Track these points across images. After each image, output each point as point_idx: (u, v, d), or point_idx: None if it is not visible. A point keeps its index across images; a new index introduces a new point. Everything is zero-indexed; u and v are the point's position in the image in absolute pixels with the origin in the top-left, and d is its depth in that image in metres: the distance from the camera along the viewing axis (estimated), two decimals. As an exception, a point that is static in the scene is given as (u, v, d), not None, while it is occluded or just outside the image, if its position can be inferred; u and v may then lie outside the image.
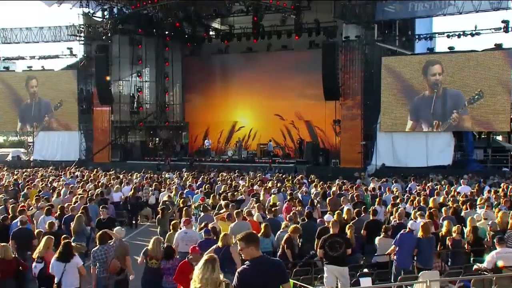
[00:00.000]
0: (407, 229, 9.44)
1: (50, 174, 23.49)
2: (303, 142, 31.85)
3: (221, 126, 36.39)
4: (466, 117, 25.86)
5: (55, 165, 29.30)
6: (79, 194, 14.66)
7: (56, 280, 7.90)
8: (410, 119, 27.06)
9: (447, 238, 9.96)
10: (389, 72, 27.31)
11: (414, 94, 26.89)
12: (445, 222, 10.48)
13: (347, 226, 10.16)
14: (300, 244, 10.31)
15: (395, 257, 9.27)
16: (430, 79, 26.52)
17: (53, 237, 8.93)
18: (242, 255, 5.01)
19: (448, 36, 26.81)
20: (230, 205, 11.88)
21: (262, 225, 10.19)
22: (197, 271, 4.47)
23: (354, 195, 15.01)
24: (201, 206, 12.95)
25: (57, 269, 7.90)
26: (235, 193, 15.35)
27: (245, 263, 4.90)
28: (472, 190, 16.53)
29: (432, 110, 26.42)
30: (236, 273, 4.83)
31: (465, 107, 25.75)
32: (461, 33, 26.35)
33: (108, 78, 31.95)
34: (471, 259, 9.70)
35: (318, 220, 11.54)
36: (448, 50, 26.95)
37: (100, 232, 8.87)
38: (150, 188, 18.61)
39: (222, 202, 12.44)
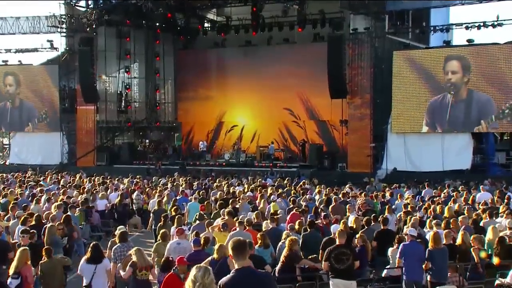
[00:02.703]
0: (408, 238, 9.45)
1: (28, 179, 23.48)
2: (306, 144, 31.84)
3: (214, 125, 36.51)
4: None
5: (34, 169, 29.26)
6: (60, 202, 14.64)
7: (85, 283, 8.68)
8: (425, 124, 26.89)
9: (472, 249, 9.91)
10: (401, 68, 27.30)
11: (429, 91, 26.84)
12: (460, 232, 10.46)
13: (360, 236, 10.17)
14: (302, 257, 10.30)
15: (403, 270, 9.28)
16: (445, 78, 26.32)
17: (28, 249, 8.93)
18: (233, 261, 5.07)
19: (467, 28, 26.77)
20: (230, 213, 12.00)
21: (259, 235, 10.19)
22: (190, 274, 4.56)
23: (360, 203, 15.01)
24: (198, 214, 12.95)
25: (87, 272, 8.69)
26: (237, 200, 15.39)
27: (231, 272, 4.94)
28: (493, 197, 16.49)
29: (448, 116, 26.28)
30: (219, 284, 4.85)
31: (494, 120, 25.37)
32: (481, 24, 26.36)
33: (104, 77, 32.00)
34: (498, 273, 9.65)
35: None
36: (467, 43, 26.91)
37: (122, 230, 10.06)
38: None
39: (226, 210, 12.48)
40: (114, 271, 9.38)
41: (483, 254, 9.95)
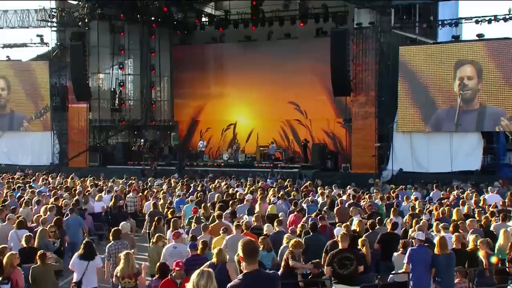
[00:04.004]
0: (415, 242, 9.44)
1: (17, 181, 23.47)
2: (308, 143, 31.81)
3: (212, 125, 36.51)
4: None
5: (23, 170, 29.23)
6: (51, 204, 14.64)
7: (76, 279, 9.12)
8: (429, 126, 26.95)
9: (480, 253, 9.91)
10: (408, 64, 27.27)
11: (437, 89, 26.82)
12: (472, 236, 10.46)
13: (360, 240, 10.16)
14: (303, 261, 10.31)
15: (410, 276, 9.27)
16: (460, 84, 26.04)
17: (16, 253, 8.94)
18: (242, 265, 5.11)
19: (477, 22, 26.75)
20: (219, 216, 12.05)
21: (260, 239, 10.21)
22: (191, 280, 4.52)
23: (365, 206, 15.01)
24: (194, 218, 12.98)
25: (79, 268, 9.13)
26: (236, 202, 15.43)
27: (239, 276, 5.02)
28: (504, 200, 16.47)
29: (456, 119, 26.19)
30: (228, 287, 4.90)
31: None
32: (492, 18, 26.36)
33: (100, 75, 31.87)
34: (509, 278, 9.65)
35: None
36: (477, 38, 26.89)
37: (114, 228, 10.49)
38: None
39: (215, 214, 12.50)
40: (107, 269, 9.75)
41: (494, 259, 9.96)
